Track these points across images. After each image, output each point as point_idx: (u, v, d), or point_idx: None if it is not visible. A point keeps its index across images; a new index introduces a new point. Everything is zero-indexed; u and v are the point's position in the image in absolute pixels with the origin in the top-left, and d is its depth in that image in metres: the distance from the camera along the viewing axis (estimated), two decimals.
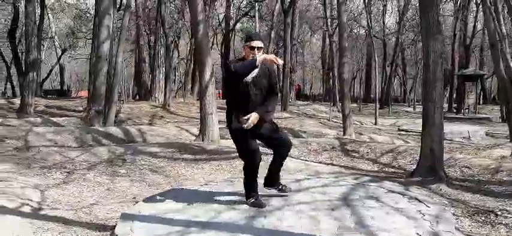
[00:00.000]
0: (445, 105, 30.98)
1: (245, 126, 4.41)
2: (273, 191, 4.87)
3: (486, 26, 11.93)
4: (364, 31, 32.38)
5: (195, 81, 26.83)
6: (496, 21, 10.85)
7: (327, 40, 32.03)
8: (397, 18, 32.88)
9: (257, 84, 4.55)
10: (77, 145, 10.18)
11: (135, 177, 7.02)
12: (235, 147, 4.74)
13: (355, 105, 31.60)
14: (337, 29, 20.67)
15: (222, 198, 4.94)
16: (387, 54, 33.63)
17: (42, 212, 4.93)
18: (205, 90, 9.50)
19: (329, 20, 25.06)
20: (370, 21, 34.85)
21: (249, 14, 32.71)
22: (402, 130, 17.41)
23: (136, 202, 5.30)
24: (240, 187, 5.48)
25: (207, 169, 7.72)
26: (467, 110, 25.72)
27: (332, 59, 28.46)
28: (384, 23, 31.37)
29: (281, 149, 4.73)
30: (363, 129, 17.56)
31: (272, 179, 4.87)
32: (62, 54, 30.60)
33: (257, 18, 29.34)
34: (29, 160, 7.64)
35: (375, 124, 20.29)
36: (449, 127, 18.68)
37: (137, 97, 27.37)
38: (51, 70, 32.05)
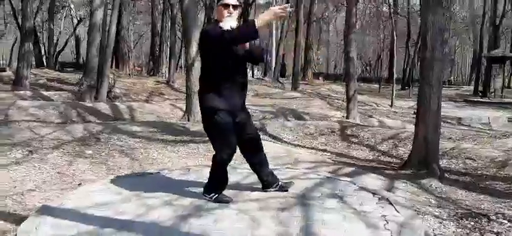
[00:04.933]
0: (470, 88, 29.50)
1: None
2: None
3: None
4: (386, 8, 30.91)
5: None
6: None
7: None
8: None
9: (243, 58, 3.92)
10: (60, 120, 9.74)
11: (98, 160, 6.46)
12: (209, 134, 3.99)
13: (377, 85, 30.47)
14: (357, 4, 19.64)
15: (166, 190, 4.31)
16: (411, 33, 32.10)
17: None
18: (191, 66, 8.84)
19: None
20: None
21: None
22: None
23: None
24: (193, 177, 4.87)
25: (181, 153, 7.11)
26: (493, 94, 24.30)
27: None
28: None
29: (251, 146, 4.09)
30: (377, 111, 16.64)
31: (264, 181, 4.20)
32: (77, 24, 30.16)
33: None
34: None
35: (391, 106, 19.27)
36: (469, 112, 17.59)
37: (152, 72, 26.95)
38: (66, 42, 31.79)
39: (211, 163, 3.99)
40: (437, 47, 5.92)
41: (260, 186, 4.25)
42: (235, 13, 3.88)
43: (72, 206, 3.87)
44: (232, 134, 3.83)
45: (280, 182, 4.23)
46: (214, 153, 3.99)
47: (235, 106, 3.89)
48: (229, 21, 3.77)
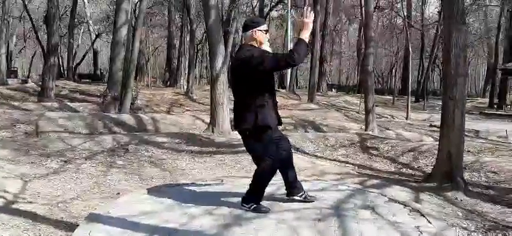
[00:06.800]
0: (486, 100, 29.42)
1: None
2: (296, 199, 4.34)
3: None
4: (401, 21, 31.05)
5: None
6: None
7: (363, 30, 30.94)
8: (439, 6, 31.31)
9: None
10: (87, 131, 10.02)
11: (130, 170, 6.71)
12: (257, 150, 4.15)
13: (390, 97, 30.53)
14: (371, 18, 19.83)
15: (204, 200, 4.49)
16: (425, 45, 32.16)
17: (14, 206, 4.67)
18: (216, 79, 9.09)
19: (363, 8, 24.02)
20: (409, 11, 33.41)
21: (284, 1, 32.05)
22: (434, 126, 16.47)
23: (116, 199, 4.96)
24: (228, 187, 5.06)
25: (208, 164, 7.33)
26: (509, 106, 24.26)
27: None
28: (422, 12, 29.98)
29: (287, 160, 4.27)
30: (392, 124, 16.74)
31: (291, 187, 4.36)
32: (95, 38, 30.94)
33: (289, 5, 28.70)
34: (29, 147, 7.48)
35: (407, 118, 19.36)
36: (486, 124, 17.60)
37: (168, 83, 27.37)
38: (84, 55, 32.54)
39: (253, 175, 4.18)
40: (460, 63, 6.09)
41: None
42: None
43: (119, 214, 4.08)
44: (276, 147, 4.07)
45: (305, 193, 4.40)
46: (246, 164, 4.22)
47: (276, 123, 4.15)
48: (267, 45, 4.04)
